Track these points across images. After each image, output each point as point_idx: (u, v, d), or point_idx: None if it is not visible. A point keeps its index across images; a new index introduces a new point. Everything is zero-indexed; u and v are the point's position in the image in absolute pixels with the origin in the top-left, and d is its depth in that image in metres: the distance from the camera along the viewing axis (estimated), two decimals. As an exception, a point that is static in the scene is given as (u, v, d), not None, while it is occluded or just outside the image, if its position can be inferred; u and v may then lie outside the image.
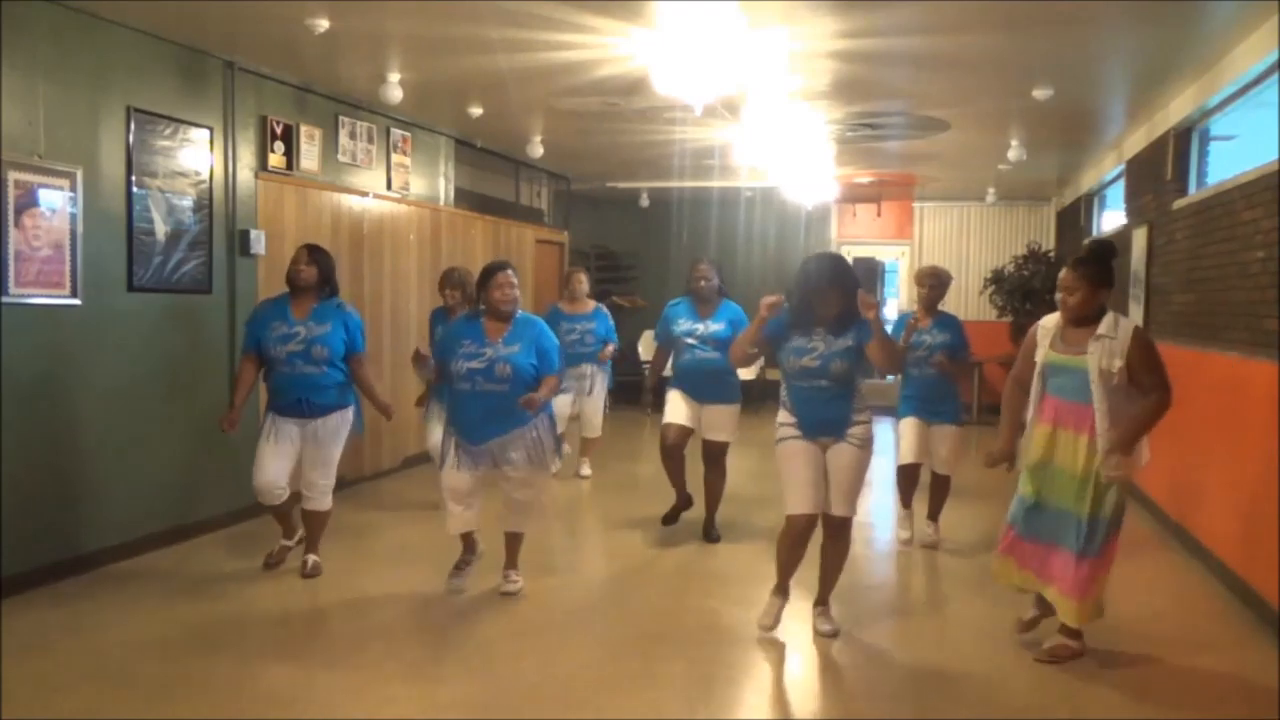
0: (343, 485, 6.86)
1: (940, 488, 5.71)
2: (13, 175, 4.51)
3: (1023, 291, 10.67)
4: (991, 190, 11.43)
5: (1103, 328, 3.79)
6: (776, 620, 4.14)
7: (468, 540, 4.73)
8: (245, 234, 5.98)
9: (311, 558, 4.96)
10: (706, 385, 5.57)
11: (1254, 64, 4.97)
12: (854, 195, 11.56)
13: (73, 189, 4.83)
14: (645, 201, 12.16)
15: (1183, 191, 6.40)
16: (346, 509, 6.36)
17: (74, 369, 4.88)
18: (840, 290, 3.98)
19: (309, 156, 6.59)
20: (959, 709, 3.62)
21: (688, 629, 4.35)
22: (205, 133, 5.70)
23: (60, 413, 4.82)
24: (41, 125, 4.65)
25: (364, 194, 7.22)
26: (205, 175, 5.71)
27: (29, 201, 4.60)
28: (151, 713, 3.41)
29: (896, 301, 13.61)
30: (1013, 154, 8.05)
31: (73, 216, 4.84)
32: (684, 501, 5.84)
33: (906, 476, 5.72)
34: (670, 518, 5.82)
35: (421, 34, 5.29)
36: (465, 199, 8.82)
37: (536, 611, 4.58)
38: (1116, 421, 3.76)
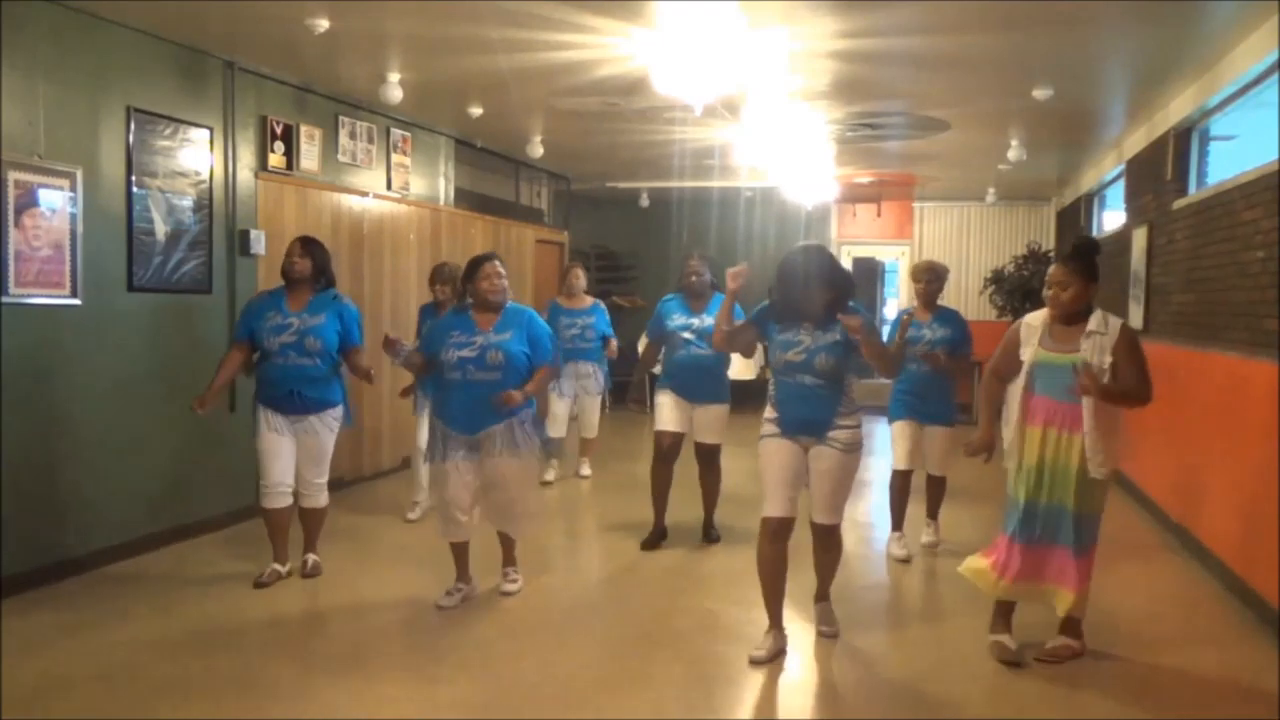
0: (342, 485, 6.90)
1: (936, 488, 5.66)
2: (13, 175, 4.51)
3: (1023, 291, 10.67)
4: (991, 190, 11.43)
5: (1093, 324, 3.79)
6: (770, 655, 3.92)
7: (462, 559, 4.59)
8: (245, 234, 5.99)
9: (311, 557, 4.94)
10: (699, 382, 5.50)
11: (1254, 64, 4.97)
12: (854, 195, 11.56)
13: (73, 189, 4.83)
14: (645, 201, 12.17)
15: (1183, 191, 6.40)
16: (346, 509, 6.36)
17: (74, 369, 4.88)
18: (824, 283, 3.84)
19: (309, 156, 6.59)
20: (959, 709, 3.63)
21: (687, 629, 4.35)
22: (205, 133, 5.70)
23: (60, 413, 4.82)
24: (41, 125, 4.66)
25: (364, 194, 7.22)
26: (205, 175, 5.71)
27: (29, 201, 4.60)
28: (151, 713, 3.41)
29: (896, 301, 13.61)
30: (1013, 154, 8.06)
31: (73, 216, 4.84)
32: (660, 532, 5.68)
33: (899, 485, 5.59)
34: (649, 545, 5.62)
35: (421, 34, 5.29)
36: (465, 199, 8.83)
37: (535, 611, 4.58)
38: (1102, 420, 3.76)
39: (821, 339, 3.85)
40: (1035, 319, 3.98)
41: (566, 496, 7.16)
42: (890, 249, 13.21)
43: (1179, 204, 6.28)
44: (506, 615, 4.45)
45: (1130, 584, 5.13)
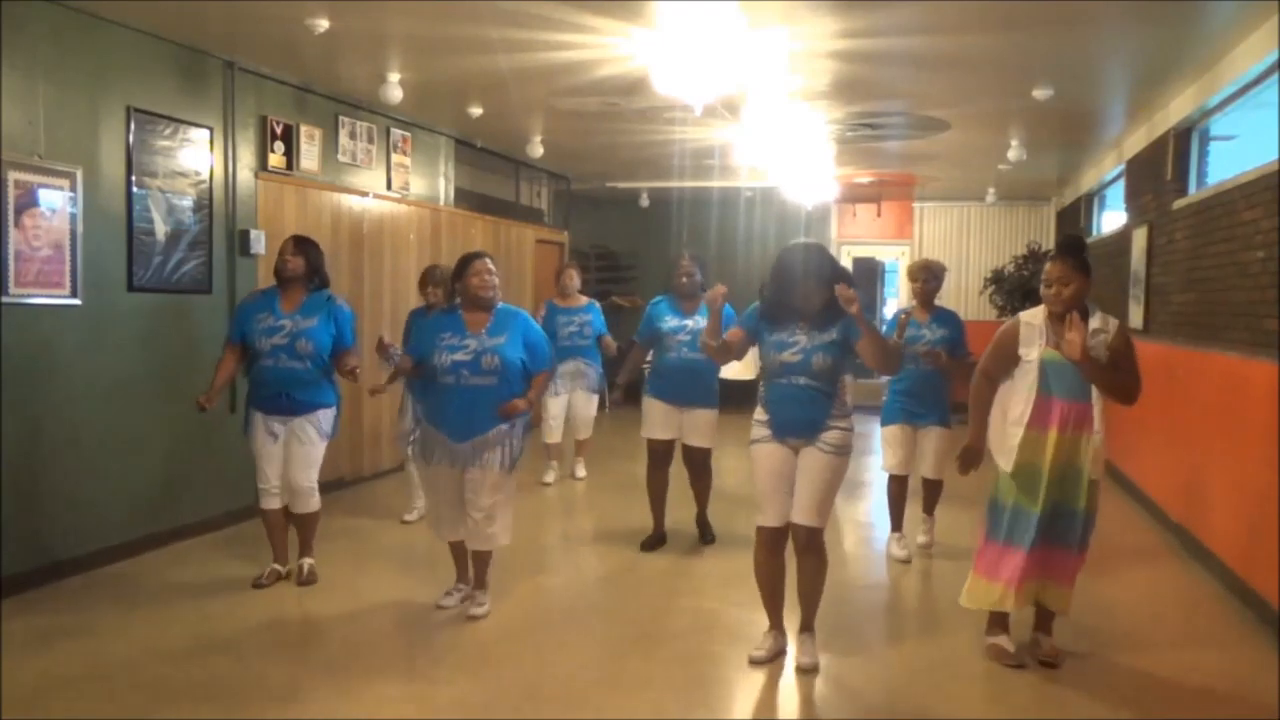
0: (342, 485, 6.90)
1: (933, 490, 5.62)
2: (13, 175, 4.51)
3: (1023, 291, 10.67)
4: (991, 190, 11.44)
5: (1097, 323, 3.75)
6: (769, 655, 3.91)
7: (461, 558, 4.53)
8: (245, 234, 5.99)
9: (307, 562, 4.87)
10: (689, 386, 5.42)
11: (1254, 64, 4.97)
12: (854, 195, 11.57)
13: (73, 189, 4.83)
14: (645, 201, 12.17)
15: (1183, 191, 6.40)
16: (346, 509, 6.37)
17: (73, 369, 4.88)
18: (819, 281, 3.70)
19: (309, 156, 6.59)
20: (959, 711, 3.63)
21: (687, 629, 4.35)
22: (205, 133, 5.70)
23: (60, 413, 4.82)
24: (41, 125, 4.66)
25: (364, 194, 7.22)
26: (205, 175, 5.71)
27: (29, 201, 4.60)
28: (151, 713, 3.41)
29: (896, 300, 13.61)
30: (1013, 154, 8.06)
31: (73, 216, 4.84)
32: (660, 536, 5.65)
33: (895, 489, 5.55)
34: (648, 547, 5.59)
35: (421, 34, 5.29)
36: (465, 199, 8.83)
37: (535, 612, 4.58)
38: (1108, 420, 3.75)
39: (818, 339, 3.74)
40: (1034, 317, 3.89)
41: (564, 497, 7.16)
42: (890, 249, 13.21)
43: (1179, 204, 6.29)
44: (506, 615, 4.44)
45: (1130, 584, 5.13)
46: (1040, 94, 6.13)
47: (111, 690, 3.60)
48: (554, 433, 7.30)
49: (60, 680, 3.67)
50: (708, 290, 5.48)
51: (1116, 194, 8.78)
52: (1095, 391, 3.76)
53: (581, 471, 7.60)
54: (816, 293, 3.72)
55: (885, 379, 5.67)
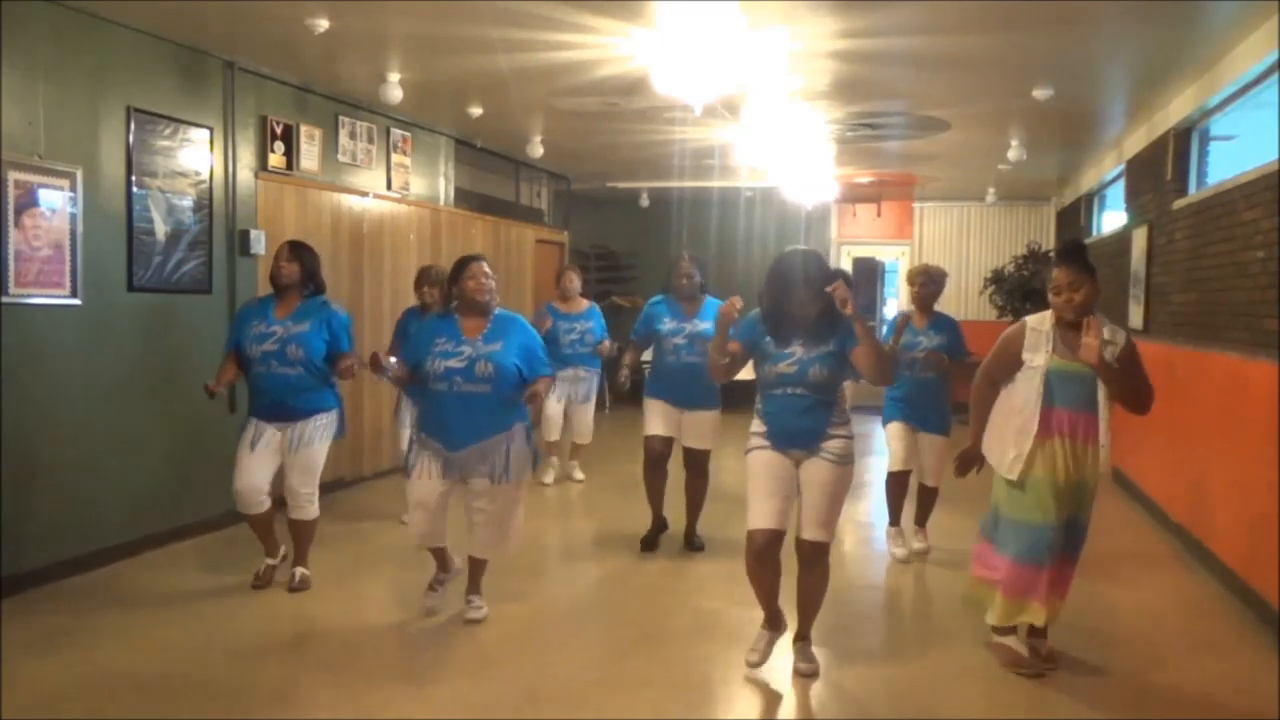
0: (341, 486, 6.90)
1: (927, 497, 5.58)
2: (13, 175, 4.51)
3: (1023, 291, 10.68)
4: (991, 190, 11.44)
5: (1106, 334, 3.62)
6: (763, 657, 3.80)
7: (439, 555, 4.46)
8: (245, 234, 5.99)
9: (300, 571, 4.79)
10: (689, 388, 5.33)
11: (1254, 64, 4.97)
12: (854, 195, 11.57)
13: (73, 189, 4.83)
14: (645, 201, 12.17)
15: (1183, 191, 6.40)
16: (345, 509, 6.37)
17: (74, 369, 4.88)
18: (815, 290, 3.57)
19: (309, 156, 6.59)
20: (958, 712, 3.62)
21: (687, 629, 4.35)
22: (205, 133, 5.70)
23: (60, 413, 4.82)
24: (41, 125, 4.66)
25: (364, 194, 7.22)
26: (205, 175, 5.71)
27: (29, 201, 4.60)
28: (151, 713, 3.41)
29: (896, 301, 13.61)
30: (1013, 154, 8.06)
31: (73, 216, 4.84)
32: (660, 524, 5.65)
33: (896, 485, 5.53)
34: (650, 542, 5.58)
35: (421, 34, 5.29)
36: (465, 199, 8.83)
37: (535, 612, 4.58)
38: (1113, 429, 3.70)
39: (815, 349, 3.63)
40: (1040, 323, 3.77)
41: (563, 499, 7.16)
42: (890, 249, 13.20)
43: (1179, 204, 6.29)
44: (506, 616, 4.44)
45: (1130, 584, 5.13)
46: (1040, 94, 6.13)
47: (111, 690, 3.60)
48: (553, 431, 7.28)
49: (60, 681, 3.67)
50: (708, 291, 5.49)
51: (1116, 194, 8.78)
52: (1103, 403, 3.69)
53: (579, 474, 7.58)
54: (813, 301, 3.60)
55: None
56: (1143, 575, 5.33)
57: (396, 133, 7.61)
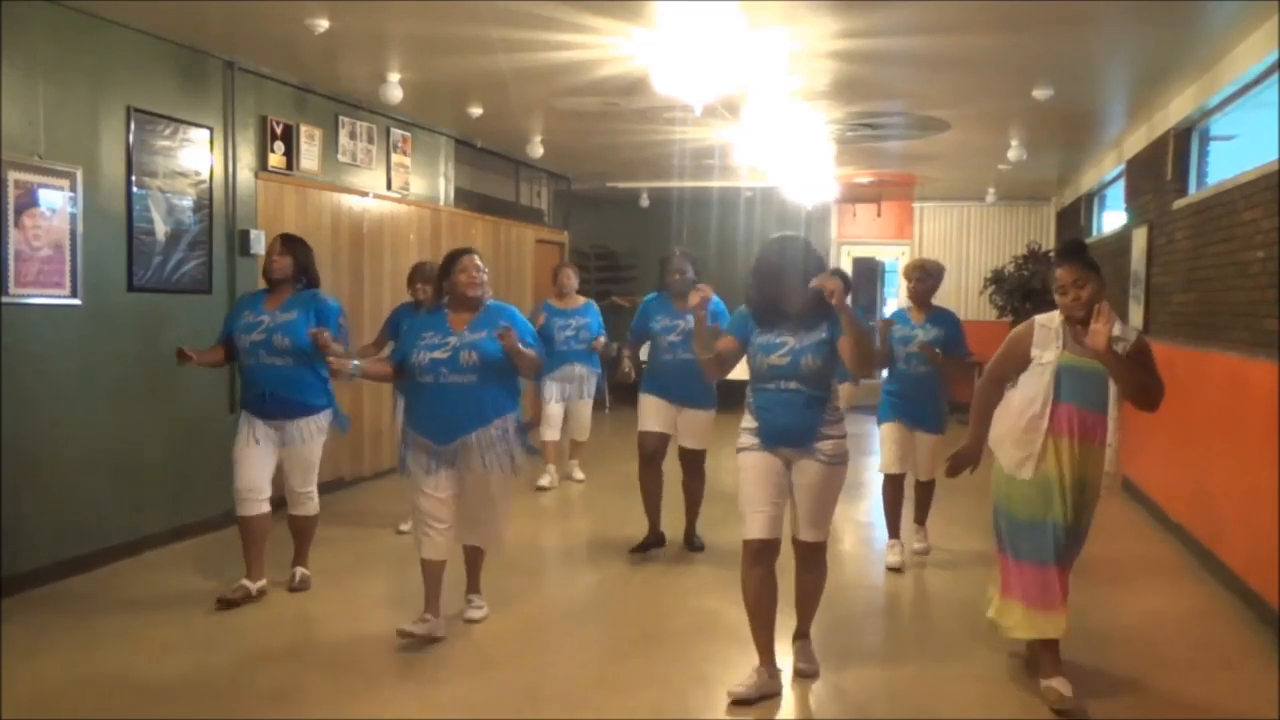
0: (341, 485, 6.91)
1: (924, 494, 5.54)
2: (13, 175, 4.51)
3: (1023, 291, 10.68)
4: (991, 190, 11.44)
5: (1117, 329, 3.50)
6: (750, 693, 3.54)
7: (433, 584, 4.17)
8: (245, 234, 5.99)
9: (300, 570, 4.77)
10: (684, 385, 5.27)
11: (1254, 64, 4.97)
12: (854, 195, 11.58)
13: (73, 189, 4.83)
14: (645, 201, 12.17)
15: (1183, 191, 6.40)
16: (345, 509, 6.37)
17: (74, 369, 4.88)
18: (802, 277, 3.48)
19: (309, 156, 6.60)
20: (958, 713, 3.62)
21: (687, 629, 4.35)
22: (205, 133, 5.70)
23: (60, 412, 4.82)
24: (41, 125, 4.66)
25: (364, 194, 7.22)
26: (205, 175, 5.71)
27: (29, 201, 4.61)
28: (150, 713, 3.41)
29: (896, 300, 13.61)
30: (1013, 154, 8.06)
31: (73, 216, 4.84)
32: (656, 537, 5.55)
33: (892, 491, 5.43)
34: (642, 550, 5.47)
35: (421, 34, 5.29)
36: (465, 199, 8.83)
37: (535, 612, 4.58)
38: (1124, 432, 3.57)
39: (806, 339, 3.53)
40: (1049, 321, 3.67)
41: (563, 499, 7.16)
42: (890, 249, 13.21)
43: (1179, 204, 6.29)
44: (506, 616, 4.44)
45: (1130, 584, 5.13)
46: (1040, 94, 6.14)
47: (110, 690, 3.60)
48: (552, 430, 7.22)
49: (60, 681, 3.67)
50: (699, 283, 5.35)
51: (1116, 194, 8.78)
52: (1113, 401, 3.58)
53: (579, 474, 7.56)
54: (800, 289, 3.50)
55: (882, 378, 5.59)
56: (1143, 576, 5.33)
57: (396, 133, 7.61)
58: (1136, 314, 7.22)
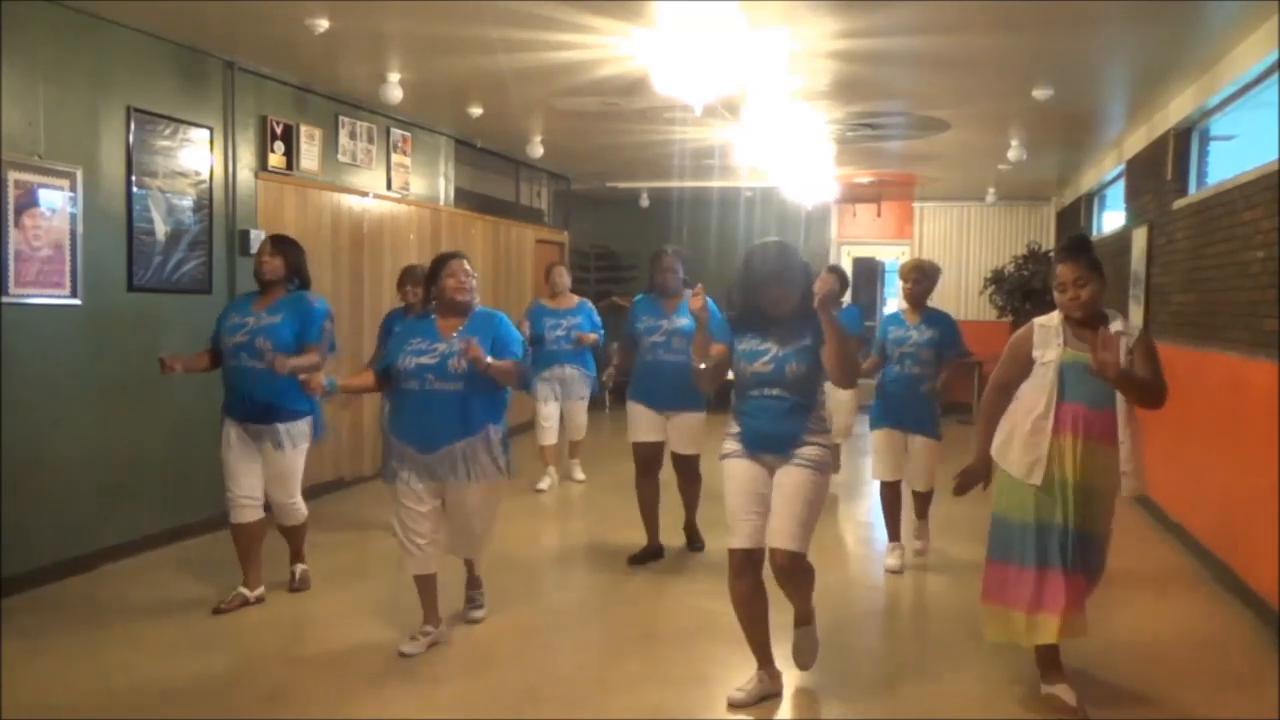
0: (341, 485, 6.91)
1: (923, 504, 5.45)
2: (13, 175, 4.51)
3: (1023, 291, 10.68)
4: (991, 190, 11.44)
5: (1119, 324, 3.47)
6: (749, 699, 3.54)
7: (429, 596, 4.09)
8: (245, 234, 5.99)
9: (299, 567, 4.77)
10: (669, 389, 5.10)
11: (1254, 64, 4.97)
12: (854, 195, 11.58)
13: (73, 189, 4.83)
14: (645, 201, 12.17)
15: (1183, 191, 6.40)
16: (344, 510, 6.37)
17: (74, 369, 4.88)
18: (790, 283, 3.43)
19: (309, 156, 6.60)
20: (961, 712, 3.62)
21: (688, 629, 4.35)
22: (205, 133, 5.70)
23: (60, 413, 4.82)
24: (41, 125, 4.66)
25: (364, 194, 7.22)
26: (205, 175, 5.71)
27: (29, 201, 4.61)
28: (150, 713, 3.42)
29: (896, 300, 13.61)
30: (1013, 154, 8.06)
31: (73, 216, 4.84)
32: (654, 549, 5.45)
33: (890, 496, 5.37)
34: (638, 560, 5.35)
35: (421, 34, 5.29)
36: (465, 199, 8.83)
37: (535, 612, 4.58)
38: (1137, 431, 3.46)
39: (791, 345, 3.46)
40: (1049, 321, 3.58)
41: (563, 499, 7.16)
42: (890, 249, 13.21)
43: (1179, 204, 6.29)
44: (506, 616, 4.44)
45: (1130, 584, 5.13)
46: (1040, 94, 6.14)
47: (110, 690, 3.60)
48: (549, 435, 7.16)
49: (59, 681, 3.67)
50: (690, 283, 5.01)
51: (1116, 194, 8.78)
52: (1120, 397, 3.47)
53: (580, 474, 7.54)
54: (787, 296, 3.45)
55: (878, 378, 5.53)
56: (1143, 577, 5.32)
57: (396, 133, 7.61)
58: (1136, 314, 7.22)
